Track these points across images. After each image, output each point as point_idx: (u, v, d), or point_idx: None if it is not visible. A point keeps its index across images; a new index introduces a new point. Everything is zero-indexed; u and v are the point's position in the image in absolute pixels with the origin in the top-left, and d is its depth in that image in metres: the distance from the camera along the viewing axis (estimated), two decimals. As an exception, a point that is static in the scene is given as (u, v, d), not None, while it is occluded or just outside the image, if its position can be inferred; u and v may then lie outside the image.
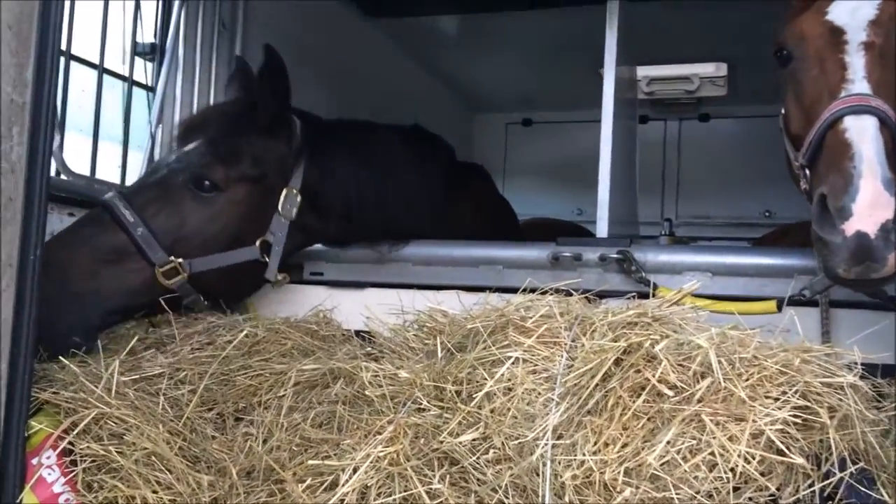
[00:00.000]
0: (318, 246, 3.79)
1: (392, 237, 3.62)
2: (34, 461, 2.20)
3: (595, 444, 1.77)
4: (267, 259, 3.21)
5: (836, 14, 2.56)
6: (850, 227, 2.03)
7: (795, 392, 1.80)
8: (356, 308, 3.46)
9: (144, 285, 2.94)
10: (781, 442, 1.78)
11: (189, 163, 3.06)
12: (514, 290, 2.65)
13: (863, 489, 1.82)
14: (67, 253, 2.83)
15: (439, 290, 3.30)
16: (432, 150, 4.26)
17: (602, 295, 2.88)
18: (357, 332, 3.20)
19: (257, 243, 3.18)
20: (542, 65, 6.60)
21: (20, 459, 2.14)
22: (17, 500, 2.11)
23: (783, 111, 2.81)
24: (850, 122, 2.22)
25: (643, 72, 6.59)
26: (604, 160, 3.64)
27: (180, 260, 2.96)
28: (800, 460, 1.78)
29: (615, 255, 3.30)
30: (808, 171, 2.43)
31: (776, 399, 1.80)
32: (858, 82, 2.33)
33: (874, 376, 2.33)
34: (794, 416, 1.78)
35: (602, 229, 3.58)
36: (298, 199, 3.26)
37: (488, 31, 6.17)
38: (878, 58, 2.41)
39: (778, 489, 1.82)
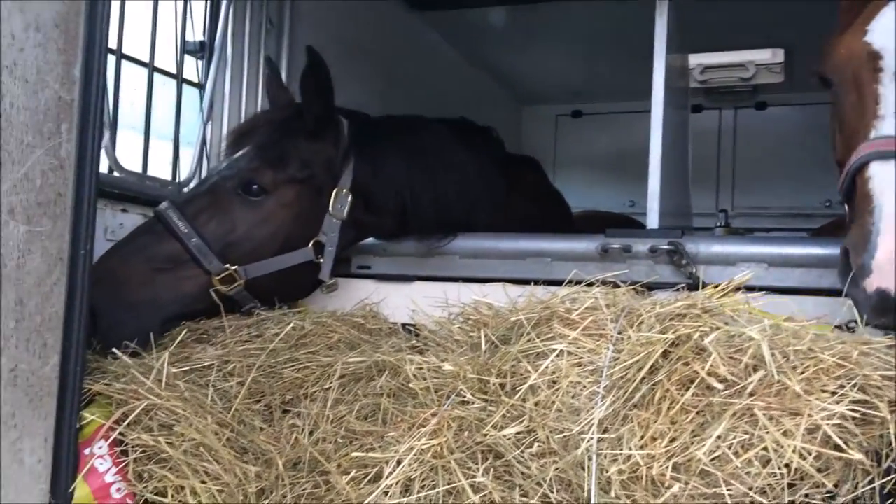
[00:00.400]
0: (366, 240, 3.81)
1: (445, 230, 3.59)
2: (86, 451, 2.25)
3: (642, 438, 1.72)
4: (321, 260, 3.23)
5: (875, 35, 2.43)
6: (871, 285, 1.97)
7: (854, 386, 1.73)
8: (403, 301, 3.46)
9: (201, 293, 2.99)
10: (839, 437, 1.70)
11: (238, 169, 3.10)
12: (562, 284, 2.61)
13: (927, 487, 1.74)
14: (124, 264, 2.89)
15: (487, 283, 3.28)
16: (483, 142, 4.25)
17: (651, 287, 2.81)
18: (403, 326, 3.20)
19: (310, 245, 3.19)
20: (591, 55, 6.50)
21: (73, 449, 2.19)
22: (70, 489, 2.16)
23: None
24: (874, 170, 2.16)
25: (696, 60, 6.44)
26: (654, 150, 3.56)
27: (235, 267, 2.99)
28: (858, 456, 1.70)
29: (666, 247, 3.22)
30: (846, 206, 2.37)
31: (833, 393, 1.73)
32: (889, 119, 2.23)
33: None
34: (853, 410, 1.71)
35: (653, 221, 3.50)
36: (349, 198, 3.27)
37: (536, 22, 6.10)
38: None
39: (836, 486, 1.74)
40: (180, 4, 3.67)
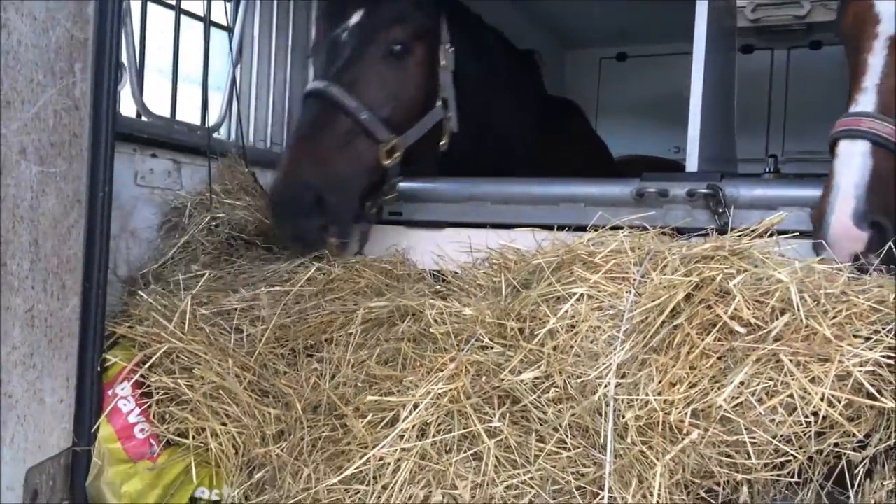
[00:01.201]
0: (399, 184, 3.76)
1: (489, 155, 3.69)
2: (110, 392, 2.28)
3: (660, 383, 1.65)
4: (450, 113, 3.39)
5: None
6: (829, 258, 2.10)
7: (889, 331, 1.62)
8: (432, 247, 3.42)
9: (376, 166, 3.08)
10: (872, 385, 1.61)
11: (374, 33, 3.12)
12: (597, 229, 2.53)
13: (966, 439, 1.64)
14: (318, 146, 2.95)
15: (518, 228, 3.21)
16: (530, 80, 4.22)
17: (683, 231, 2.71)
18: (431, 272, 3.15)
19: (439, 103, 3.33)
20: (635, -6, 6.25)
21: (96, 390, 2.23)
22: (94, 429, 2.20)
23: None
24: (840, 148, 2.23)
25: (748, -3, 6.16)
26: (695, 94, 3.40)
27: (395, 139, 3.08)
28: (893, 404, 1.61)
29: (704, 190, 3.10)
30: None
31: (867, 338, 1.63)
32: (867, 94, 2.26)
33: None
34: (887, 356, 1.61)
35: (692, 165, 3.37)
36: (451, 49, 3.38)
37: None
38: None
39: (867, 436, 1.66)
40: (207, -55, 3.59)
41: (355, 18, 3.19)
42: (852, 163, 2.17)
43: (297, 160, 2.92)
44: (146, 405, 2.29)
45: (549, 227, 3.05)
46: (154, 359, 2.30)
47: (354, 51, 3.13)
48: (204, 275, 2.78)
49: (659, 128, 6.94)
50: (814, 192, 2.98)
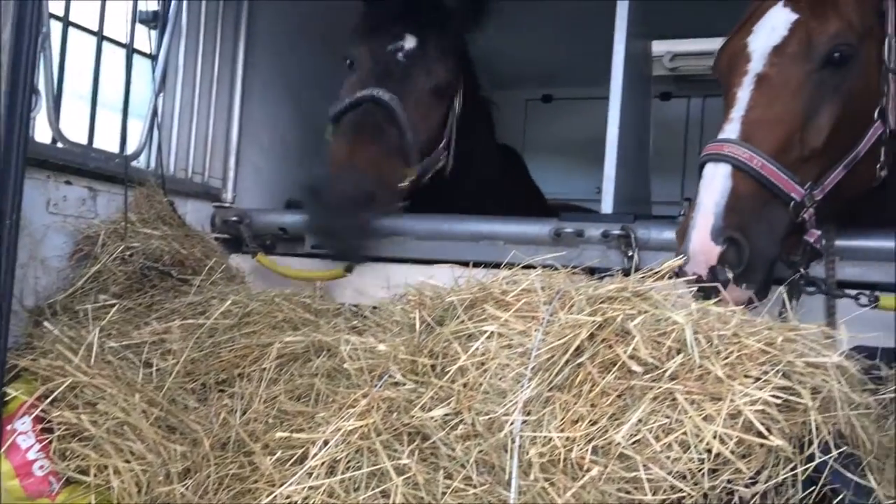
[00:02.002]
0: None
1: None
2: (9, 427, 2.19)
3: (562, 421, 1.70)
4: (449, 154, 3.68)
5: (754, 36, 2.57)
6: (689, 269, 2.31)
7: (777, 372, 1.71)
8: (352, 281, 3.43)
9: (397, 182, 3.34)
10: (761, 423, 1.69)
11: (424, 63, 3.43)
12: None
13: (848, 474, 1.73)
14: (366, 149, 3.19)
15: (439, 264, 3.25)
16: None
17: (594, 271, 2.80)
18: (352, 307, 3.16)
19: (441, 145, 3.60)
20: (561, 38, 6.42)
21: (-6, 425, 2.14)
22: (-10, 465, 2.11)
23: None
24: (707, 171, 2.41)
25: (666, 46, 6.42)
26: (611, 137, 3.55)
27: (416, 168, 3.39)
28: (780, 443, 1.69)
29: (618, 232, 3.22)
30: None
31: (757, 378, 1.71)
32: (733, 123, 2.46)
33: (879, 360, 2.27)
34: (775, 396, 1.69)
35: (608, 206, 3.49)
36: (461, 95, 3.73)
37: (507, 5, 6.04)
38: (767, 90, 2.45)
39: (757, 473, 1.73)
40: (132, -28, 3.57)
41: (409, 44, 3.47)
42: (713, 184, 2.36)
43: (353, 154, 3.13)
44: (47, 441, 2.21)
45: (469, 264, 3.11)
46: (56, 393, 2.23)
47: (408, 73, 3.40)
48: (114, 306, 2.71)
49: (582, 169, 7.13)
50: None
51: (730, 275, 2.27)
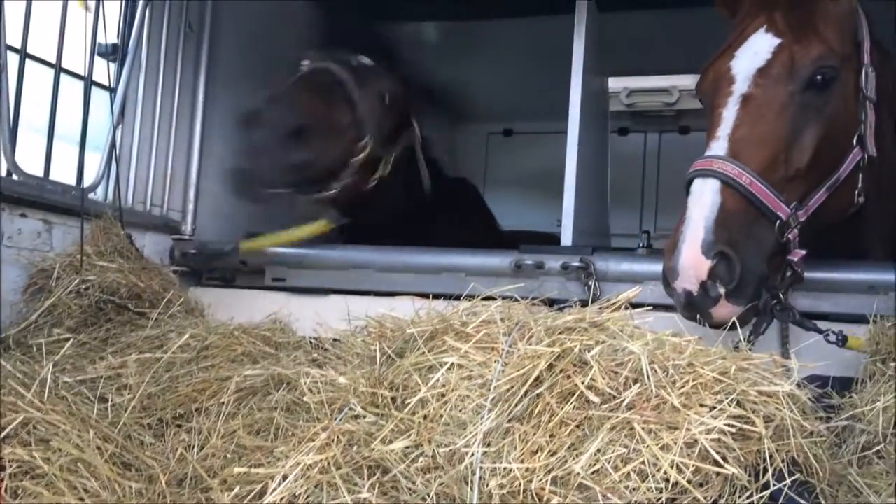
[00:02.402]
0: (281, 251, 3.76)
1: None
2: (-43, 465, 2.13)
3: (522, 452, 1.71)
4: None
5: (738, 60, 2.63)
6: (678, 285, 2.31)
7: (731, 401, 1.74)
8: (313, 314, 3.41)
9: (343, 148, 3.61)
10: (717, 452, 1.72)
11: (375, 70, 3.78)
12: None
13: (802, 502, 1.76)
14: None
15: (401, 296, 3.26)
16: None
17: (554, 302, 2.83)
18: (313, 339, 3.14)
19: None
20: (521, 73, 6.54)
21: (-59, 463, 2.07)
22: (-64, 506, 2.04)
23: None
24: (695, 186, 2.43)
25: (623, 83, 6.57)
26: (569, 170, 3.61)
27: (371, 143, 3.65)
28: (736, 471, 1.72)
29: (577, 264, 3.26)
30: None
31: (712, 408, 1.74)
32: (720, 141, 2.48)
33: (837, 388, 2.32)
34: (730, 425, 1.72)
35: (567, 238, 3.54)
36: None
37: (468, 40, 6.13)
38: (752, 110, 2.50)
39: (715, 503, 1.75)
40: (92, 4, 3.56)
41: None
42: (703, 199, 2.37)
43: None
44: (-3, 479, 2.14)
45: (433, 296, 3.12)
46: (9, 429, 2.16)
47: (363, 76, 3.70)
48: (68, 340, 2.66)
49: (543, 201, 7.21)
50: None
51: (721, 290, 2.26)
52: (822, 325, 2.55)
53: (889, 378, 2.21)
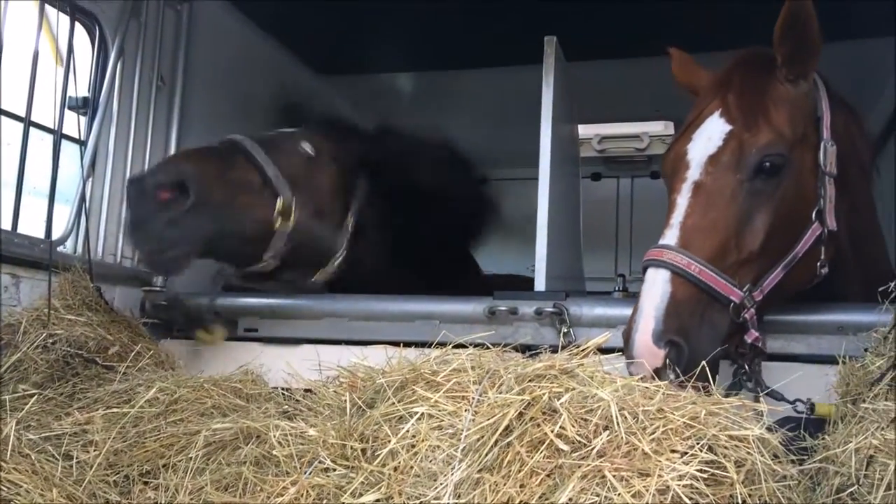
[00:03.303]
0: (252, 301, 3.73)
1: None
2: (-87, 529, 2.06)
3: (492, 502, 1.68)
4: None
5: (693, 144, 2.69)
6: (635, 371, 2.32)
7: (703, 446, 1.74)
8: (285, 365, 3.37)
9: (264, 219, 3.27)
10: (689, 498, 1.70)
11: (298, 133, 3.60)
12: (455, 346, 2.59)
13: (777, 547, 1.75)
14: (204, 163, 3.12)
15: (375, 345, 3.23)
16: None
17: (527, 349, 2.82)
18: (285, 390, 3.10)
19: (342, 227, 3.66)
20: (497, 122, 6.64)
21: None
22: None
23: None
24: (648, 275, 2.49)
25: (594, 130, 6.67)
26: (541, 216, 3.63)
27: (293, 204, 3.33)
28: (709, 517, 1.70)
29: (550, 309, 3.26)
30: None
31: (683, 453, 1.73)
32: (672, 229, 2.54)
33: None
34: (702, 470, 1.71)
35: (540, 283, 3.54)
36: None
37: (441, 90, 6.22)
38: (703, 198, 2.56)
39: (689, 549, 1.73)
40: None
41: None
42: (653, 289, 2.42)
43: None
44: (-46, 543, 2.08)
45: (407, 344, 3.10)
46: (-33, 490, 2.11)
47: (276, 138, 3.57)
48: (33, 396, 2.61)
49: (518, 247, 7.24)
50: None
51: (672, 376, 2.28)
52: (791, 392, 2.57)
53: (860, 419, 2.21)
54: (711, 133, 2.65)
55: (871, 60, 4.78)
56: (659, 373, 2.29)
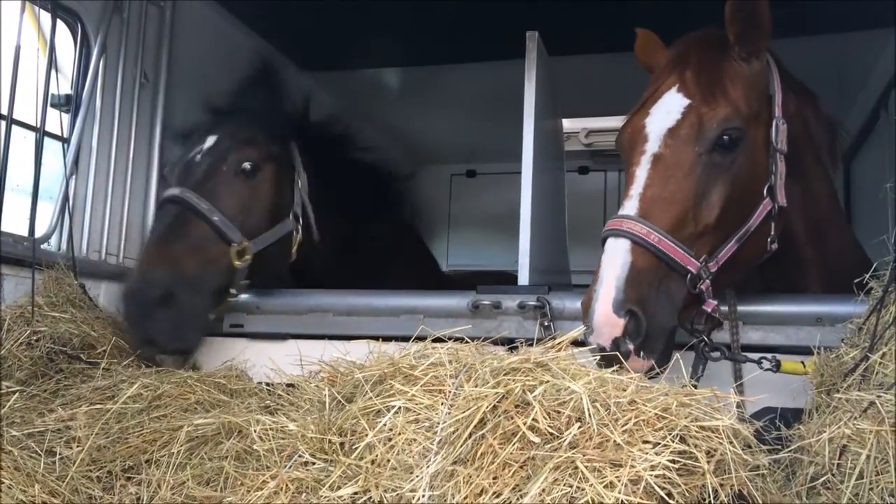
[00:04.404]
0: (240, 297, 3.73)
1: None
2: None
3: (466, 495, 1.70)
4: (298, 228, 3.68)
5: (651, 118, 2.72)
6: (593, 340, 2.37)
7: (674, 436, 1.76)
8: (268, 360, 3.38)
9: (224, 265, 3.31)
10: (661, 488, 1.72)
11: (222, 153, 3.44)
12: (438, 339, 2.61)
13: (748, 536, 1.78)
14: (166, 249, 3.16)
15: (359, 340, 3.24)
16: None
17: (508, 342, 2.84)
18: (269, 385, 3.11)
19: (290, 216, 3.62)
20: (484, 116, 6.64)
21: None
22: None
23: None
24: (608, 245, 2.51)
25: (581, 124, 6.70)
26: (524, 210, 3.65)
27: (246, 242, 3.35)
28: (681, 507, 1.72)
29: (533, 303, 3.28)
30: None
31: (655, 444, 1.75)
32: (632, 200, 2.57)
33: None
34: (674, 461, 1.74)
35: (524, 277, 3.56)
36: (303, 172, 3.75)
37: (429, 85, 6.23)
38: (662, 170, 2.59)
39: (662, 538, 1.75)
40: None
41: (209, 143, 3.50)
42: (613, 259, 2.45)
43: (151, 260, 3.14)
44: (-64, 540, 2.09)
45: (392, 339, 3.12)
46: (-51, 487, 2.12)
47: (208, 166, 3.41)
48: (15, 393, 2.62)
49: (504, 241, 7.27)
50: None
51: (630, 346, 2.33)
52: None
53: (834, 409, 2.24)
54: (670, 107, 2.69)
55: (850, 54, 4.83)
56: (617, 342, 2.33)
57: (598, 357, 2.36)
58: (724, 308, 2.75)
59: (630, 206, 2.55)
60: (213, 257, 3.28)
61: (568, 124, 6.18)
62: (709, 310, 2.57)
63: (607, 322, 2.34)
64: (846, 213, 5.65)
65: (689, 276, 2.49)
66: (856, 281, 2.53)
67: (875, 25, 4.49)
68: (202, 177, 3.38)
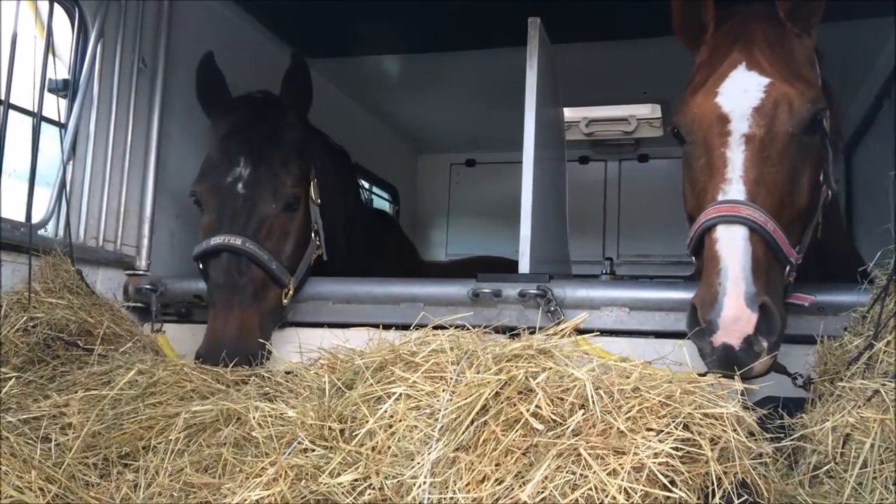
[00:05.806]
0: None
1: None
2: None
3: (468, 482, 1.68)
4: (320, 241, 3.69)
5: (724, 97, 2.50)
6: (717, 340, 2.15)
7: (678, 424, 1.74)
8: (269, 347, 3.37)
9: (279, 309, 3.40)
10: (664, 475, 1.71)
11: (267, 187, 3.39)
12: (439, 327, 2.58)
13: (751, 523, 1.76)
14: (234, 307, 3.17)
15: (360, 328, 3.22)
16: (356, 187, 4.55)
17: (510, 330, 2.82)
18: (267, 371, 3.09)
19: (313, 235, 3.64)
20: (484, 105, 6.61)
21: None
22: None
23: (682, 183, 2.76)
24: (721, 233, 2.27)
25: (582, 113, 6.67)
26: (525, 199, 3.62)
27: (292, 281, 3.41)
28: (684, 494, 1.70)
29: (534, 291, 3.27)
30: (694, 258, 2.52)
31: (658, 431, 1.73)
32: (735, 184, 2.34)
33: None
34: (677, 448, 1.72)
35: (524, 266, 3.54)
36: (315, 181, 3.70)
37: (429, 73, 6.19)
38: (757, 151, 2.38)
39: (664, 525, 1.74)
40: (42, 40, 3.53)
41: (250, 175, 3.39)
42: (736, 247, 2.22)
43: (221, 325, 3.15)
44: (-68, 526, 2.07)
45: (389, 327, 3.09)
46: (-55, 472, 2.09)
47: (258, 206, 3.34)
48: (11, 379, 2.59)
49: (504, 229, 7.25)
50: (628, 294, 3.21)
51: (765, 344, 2.16)
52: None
53: (837, 398, 2.22)
54: (746, 85, 2.48)
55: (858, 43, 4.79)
56: (749, 340, 2.13)
57: (713, 358, 2.15)
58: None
59: (736, 191, 2.32)
60: (271, 307, 3.33)
61: (568, 113, 6.15)
62: (806, 304, 2.42)
63: (740, 317, 2.12)
64: (847, 204, 5.64)
65: (788, 267, 2.34)
66: (860, 269, 2.50)
67: (878, 14, 4.46)
68: (257, 221, 3.33)
